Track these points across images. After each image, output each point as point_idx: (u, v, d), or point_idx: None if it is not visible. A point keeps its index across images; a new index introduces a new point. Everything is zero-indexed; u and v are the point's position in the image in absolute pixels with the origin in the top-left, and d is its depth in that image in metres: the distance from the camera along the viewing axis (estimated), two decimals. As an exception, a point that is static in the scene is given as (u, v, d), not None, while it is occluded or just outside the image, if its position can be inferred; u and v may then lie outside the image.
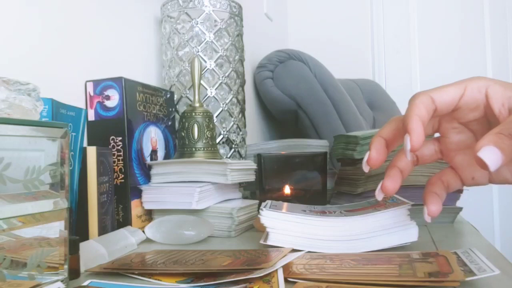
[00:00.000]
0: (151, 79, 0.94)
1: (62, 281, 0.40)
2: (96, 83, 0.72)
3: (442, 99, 0.40)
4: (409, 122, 0.39)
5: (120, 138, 0.70)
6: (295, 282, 0.40)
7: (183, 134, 0.79)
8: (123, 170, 0.70)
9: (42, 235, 0.39)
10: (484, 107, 0.40)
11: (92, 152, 0.61)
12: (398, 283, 0.37)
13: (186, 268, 0.45)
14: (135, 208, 0.71)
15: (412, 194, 0.78)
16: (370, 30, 2.15)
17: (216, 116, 0.91)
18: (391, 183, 0.43)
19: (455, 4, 2.28)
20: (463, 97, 0.40)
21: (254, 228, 0.71)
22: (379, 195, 0.44)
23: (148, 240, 0.64)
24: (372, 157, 0.43)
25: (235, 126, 0.95)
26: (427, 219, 0.43)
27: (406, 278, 0.37)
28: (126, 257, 0.53)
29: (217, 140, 0.90)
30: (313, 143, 1.10)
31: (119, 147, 0.70)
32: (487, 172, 0.43)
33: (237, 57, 0.95)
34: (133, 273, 0.45)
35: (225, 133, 0.93)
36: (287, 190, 0.84)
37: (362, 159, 0.88)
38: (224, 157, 0.92)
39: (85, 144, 0.68)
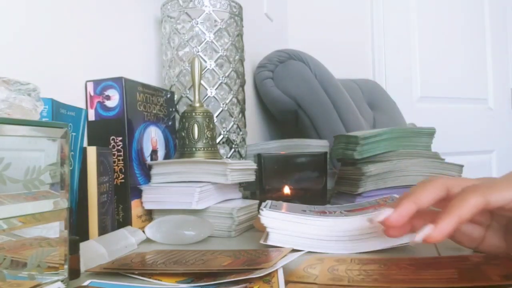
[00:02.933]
0: (151, 79, 0.94)
1: (62, 281, 0.40)
2: (96, 83, 0.72)
3: (497, 203, 0.37)
4: (447, 222, 0.37)
5: (120, 138, 0.70)
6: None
7: (183, 134, 0.79)
8: (123, 170, 0.70)
9: (42, 235, 0.39)
10: None
11: (92, 152, 0.61)
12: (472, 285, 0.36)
13: (186, 268, 0.45)
14: (135, 208, 0.71)
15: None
16: (370, 30, 2.15)
17: (216, 116, 0.91)
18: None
19: (455, 4, 2.28)
20: None
21: (254, 228, 0.71)
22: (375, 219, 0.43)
23: (148, 240, 0.64)
24: (392, 219, 0.41)
25: (235, 126, 0.95)
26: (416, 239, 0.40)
27: (481, 283, 0.36)
28: (126, 257, 0.53)
29: (217, 140, 0.90)
30: (313, 143, 1.10)
31: (119, 147, 0.70)
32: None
33: (237, 57, 0.95)
34: (133, 273, 0.45)
35: (225, 133, 0.93)
36: (287, 190, 0.84)
37: (362, 159, 0.89)
38: (224, 157, 0.92)
39: (85, 144, 0.68)
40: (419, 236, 0.38)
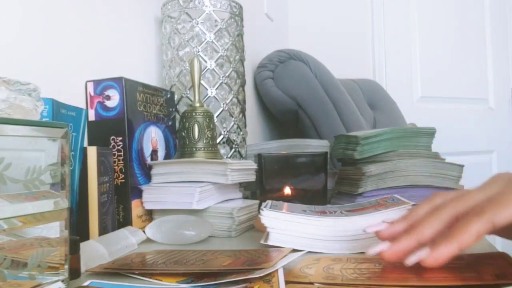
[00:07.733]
0: (151, 79, 0.94)
1: (62, 281, 0.40)
2: (97, 83, 0.72)
3: (503, 222, 0.35)
4: (445, 249, 0.36)
5: (120, 138, 0.70)
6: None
7: (183, 134, 0.79)
8: (123, 170, 0.70)
9: (42, 235, 0.39)
10: None
11: (92, 152, 0.61)
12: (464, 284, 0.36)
13: (186, 268, 0.45)
14: (136, 208, 0.71)
15: (412, 194, 0.78)
16: (371, 30, 2.15)
17: (217, 116, 0.91)
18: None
19: (456, 4, 2.28)
20: None
21: (255, 228, 0.71)
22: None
23: (148, 240, 0.64)
24: (388, 255, 0.40)
25: (235, 126, 0.95)
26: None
27: (474, 282, 0.36)
28: (127, 257, 0.53)
29: (218, 140, 0.90)
30: (314, 143, 1.10)
31: (119, 147, 0.70)
32: None
33: (237, 57, 0.95)
34: (133, 273, 0.45)
35: (225, 133, 0.93)
36: (287, 190, 0.84)
37: (362, 159, 0.89)
38: (225, 157, 0.92)
39: (85, 144, 0.68)
40: (411, 259, 0.38)
